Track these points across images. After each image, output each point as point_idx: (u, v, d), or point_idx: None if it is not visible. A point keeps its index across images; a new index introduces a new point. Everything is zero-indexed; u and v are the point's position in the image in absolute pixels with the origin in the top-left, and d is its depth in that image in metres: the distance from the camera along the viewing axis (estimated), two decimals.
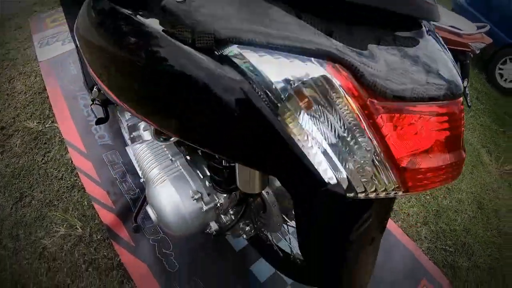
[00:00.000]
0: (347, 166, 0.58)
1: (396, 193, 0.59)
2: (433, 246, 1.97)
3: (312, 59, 0.55)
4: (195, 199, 1.07)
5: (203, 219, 1.12)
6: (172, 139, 1.02)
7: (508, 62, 3.84)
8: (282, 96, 0.56)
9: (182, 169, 1.13)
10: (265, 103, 0.56)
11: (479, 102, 3.61)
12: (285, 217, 1.10)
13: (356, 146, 0.56)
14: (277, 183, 1.03)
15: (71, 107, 1.99)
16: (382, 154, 0.55)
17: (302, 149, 0.57)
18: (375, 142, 0.55)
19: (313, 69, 0.55)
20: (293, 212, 0.90)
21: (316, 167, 0.58)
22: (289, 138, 0.58)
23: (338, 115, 0.55)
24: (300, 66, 0.55)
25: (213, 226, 1.16)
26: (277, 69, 0.56)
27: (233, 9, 0.59)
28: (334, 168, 0.58)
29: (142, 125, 1.40)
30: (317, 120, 0.56)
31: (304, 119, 0.57)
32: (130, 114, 1.40)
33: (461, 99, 0.59)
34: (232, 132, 0.64)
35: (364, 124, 0.55)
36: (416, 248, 1.90)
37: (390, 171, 0.56)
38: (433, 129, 0.56)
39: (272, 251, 1.35)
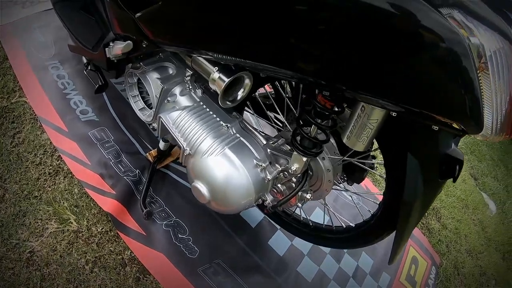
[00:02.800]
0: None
1: None
2: None
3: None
4: (261, 168, 0.89)
5: (264, 190, 0.94)
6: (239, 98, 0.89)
7: None
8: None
9: (240, 137, 0.93)
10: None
11: None
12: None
13: None
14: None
15: (41, 79, 1.46)
16: None
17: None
18: None
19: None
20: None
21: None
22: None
23: None
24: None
25: (269, 197, 0.97)
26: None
27: None
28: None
29: (177, 89, 1.01)
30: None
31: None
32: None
33: None
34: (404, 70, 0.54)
35: None
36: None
37: None
38: None
39: (298, 222, 1.23)
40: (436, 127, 0.62)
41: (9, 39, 1.56)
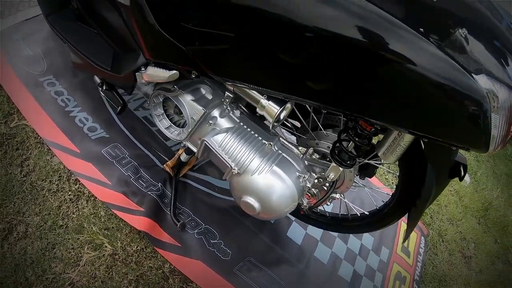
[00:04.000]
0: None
1: None
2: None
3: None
4: (303, 178, 0.97)
5: (302, 196, 1.02)
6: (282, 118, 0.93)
7: None
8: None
9: (282, 153, 0.99)
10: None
11: None
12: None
13: None
14: None
15: (38, 98, 1.30)
16: None
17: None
18: None
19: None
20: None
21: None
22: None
23: None
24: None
25: (305, 201, 1.06)
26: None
27: None
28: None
29: (216, 112, 0.99)
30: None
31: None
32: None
33: None
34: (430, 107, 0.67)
35: None
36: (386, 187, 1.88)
37: None
38: None
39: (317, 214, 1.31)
40: (454, 148, 0.76)
41: None
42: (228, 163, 0.95)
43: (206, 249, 1.23)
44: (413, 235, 1.84)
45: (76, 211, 1.18)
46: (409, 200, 1.01)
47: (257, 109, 0.90)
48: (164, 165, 1.33)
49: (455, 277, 1.82)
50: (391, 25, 0.63)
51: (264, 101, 0.86)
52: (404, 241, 1.25)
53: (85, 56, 1.12)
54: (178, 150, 1.35)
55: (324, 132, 1.06)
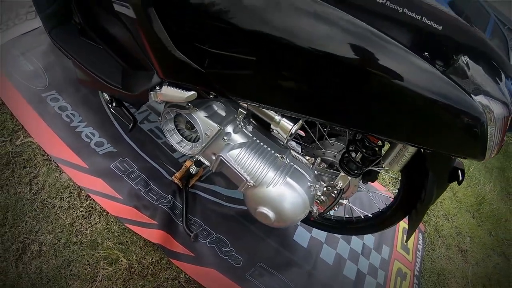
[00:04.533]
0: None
1: None
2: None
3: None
4: (314, 188, 1.04)
5: (312, 204, 1.09)
6: (294, 132, 0.96)
7: None
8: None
9: (294, 164, 1.06)
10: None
11: None
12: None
13: None
14: None
15: (42, 114, 1.32)
16: None
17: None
18: None
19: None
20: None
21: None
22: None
23: None
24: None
25: (314, 208, 1.12)
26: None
27: None
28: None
29: (230, 127, 1.05)
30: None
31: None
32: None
33: None
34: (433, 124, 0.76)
35: None
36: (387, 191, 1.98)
37: None
38: None
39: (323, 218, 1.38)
40: (454, 157, 0.85)
41: None
42: (244, 177, 1.01)
43: (218, 257, 1.29)
44: None
45: (89, 227, 1.21)
46: (410, 203, 1.10)
47: (271, 125, 0.96)
48: (173, 177, 1.37)
49: (453, 270, 1.93)
50: (399, 52, 0.70)
51: (278, 117, 0.93)
52: (406, 241, 1.33)
53: (92, 73, 1.14)
54: (185, 161, 1.39)
55: (330, 141, 1.12)
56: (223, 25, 0.78)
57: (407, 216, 1.14)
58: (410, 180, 1.07)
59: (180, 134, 1.16)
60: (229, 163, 1.01)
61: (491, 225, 2.33)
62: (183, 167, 1.38)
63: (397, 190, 1.16)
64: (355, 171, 1.01)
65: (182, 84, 0.94)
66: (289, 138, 0.99)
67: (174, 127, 1.14)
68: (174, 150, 1.42)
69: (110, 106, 1.16)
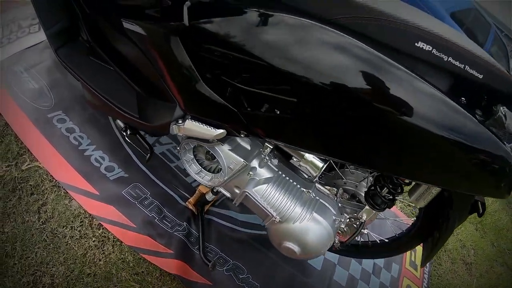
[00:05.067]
0: None
1: None
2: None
3: None
4: (338, 221, 1.04)
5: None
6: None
7: None
8: None
9: (320, 199, 1.05)
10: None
11: None
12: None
13: None
14: None
15: (49, 136, 1.28)
16: None
17: None
18: None
19: None
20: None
21: None
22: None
23: None
24: None
25: (336, 238, 1.13)
26: None
27: None
28: None
29: (255, 162, 1.02)
30: None
31: None
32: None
33: None
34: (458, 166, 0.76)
35: None
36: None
37: None
38: None
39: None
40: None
41: None
42: (270, 213, 1.00)
43: (236, 284, 1.28)
44: (419, 248, 1.97)
45: (103, 257, 1.19)
46: (428, 231, 1.12)
47: (301, 163, 0.96)
48: (187, 203, 1.35)
49: (459, 284, 1.98)
50: (436, 97, 0.70)
51: (308, 155, 0.94)
52: (422, 266, 1.36)
53: (103, 98, 1.10)
54: (198, 186, 1.37)
55: (350, 170, 1.12)
56: (258, 61, 0.75)
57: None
58: (430, 210, 1.08)
59: (199, 163, 1.13)
60: (255, 199, 1.00)
61: (494, 236, 2.40)
62: (197, 191, 1.37)
63: (415, 218, 1.17)
64: (380, 205, 1.02)
65: (209, 120, 0.92)
66: (319, 175, 0.99)
67: (193, 157, 1.12)
68: (187, 174, 1.39)
69: (124, 134, 1.12)
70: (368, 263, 1.74)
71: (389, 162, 0.81)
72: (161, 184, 1.36)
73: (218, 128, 0.90)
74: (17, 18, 1.42)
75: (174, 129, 0.97)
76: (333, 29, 0.70)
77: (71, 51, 1.22)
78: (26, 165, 1.26)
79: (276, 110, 0.80)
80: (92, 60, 1.21)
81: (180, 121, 0.96)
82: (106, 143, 1.34)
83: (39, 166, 1.26)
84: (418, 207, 1.03)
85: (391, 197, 0.99)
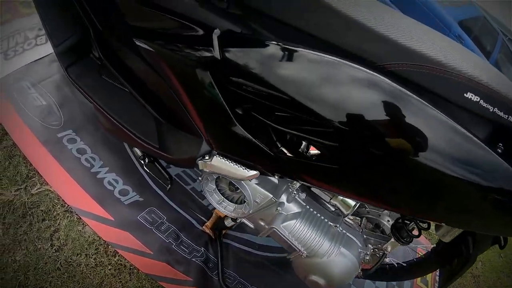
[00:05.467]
0: None
1: None
2: None
3: None
4: (364, 254, 1.03)
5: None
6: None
7: None
8: None
9: (346, 232, 1.04)
10: None
11: None
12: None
13: None
14: None
15: (59, 157, 1.23)
16: None
17: None
18: None
19: None
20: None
21: None
22: None
23: None
24: None
25: (359, 268, 1.10)
26: None
27: None
28: None
29: (284, 197, 0.99)
30: None
31: None
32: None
33: None
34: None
35: None
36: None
37: None
38: None
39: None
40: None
41: (1, 105, 1.25)
42: (298, 248, 0.98)
43: None
44: None
45: (119, 286, 1.16)
46: (447, 259, 1.11)
47: (331, 199, 0.95)
48: (204, 227, 1.33)
49: None
50: (475, 146, 0.67)
51: (340, 196, 0.94)
52: None
53: (119, 123, 1.06)
54: (215, 208, 1.34)
55: None
56: (296, 101, 0.71)
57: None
58: (452, 240, 1.09)
59: (221, 192, 1.10)
60: (283, 235, 0.98)
61: None
62: (214, 214, 1.34)
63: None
64: (406, 239, 1.01)
65: (239, 159, 0.88)
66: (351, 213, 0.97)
67: (215, 187, 1.08)
68: (203, 196, 1.36)
69: (142, 163, 1.08)
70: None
71: (428, 209, 0.79)
72: (177, 208, 1.33)
73: (251, 169, 0.87)
74: (23, 28, 1.35)
75: (200, 165, 0.94)
76: (379, 75, 0.67)
77: (82, 69, 1.16)
78: (36, 189, 1.21)
79: (313, 155, 0.77)
80: (104, 80, 1.15)
81: (206, 157, 0.92)
82: (120, 165, 1.30)
83: (50, 190, 1.22)
84: (445, 241, 1.02)
85: (417, 232, 0.99)
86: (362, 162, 0.75)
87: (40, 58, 1.35)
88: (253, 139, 0.81)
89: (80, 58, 1.18)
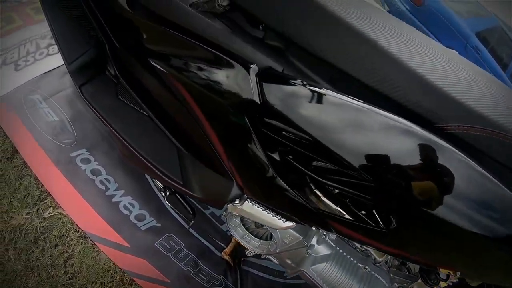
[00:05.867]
0: None
1: None
2: None
3: None
4: None
5: None
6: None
7: None
8: None
9: (375, 273, 1.00)
10: None
11: None
12: None
13: None
14: None
15: (72, 179, 1.17)
16: None
17: None
18: None
19: None
20: None
21: None
22: None
23: None
24: None
25: None
26: None
27: None
28: None
29: (314, 239, 0.95)
30: None
31: None
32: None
33: None
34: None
35: None
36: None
37: None
38: None
39: None
40: None
41: (8, 121, 1.19)
42: None
43: None
44: None
45: None
46: None
47: (365, 246, 0.93)
48: (222, 253, 1.28)
49: None
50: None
51: None
52: None
53: (137, 153, 0.99)
54: None
55: None
56: (337, 154, 0.65)
57: None
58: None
59: (245, 227, 1.05)
60: (312, 278, 0.94)
61: None
62: (233, 240, 1.30)
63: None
64: (433, 281, 0.98)
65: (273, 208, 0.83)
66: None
67: (239, 222, 1.03)
68: (222, 221, 1.31)
69: (164, 196, 1.02)
70: None
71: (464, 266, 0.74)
72: (195, 234, 1.28)
73: (286, 220, 0.81)
74: (35, 36, 1.26)
75: (228, 208, 0.88)
76: (432, 134, 0.60)
77: (97, 88, 1.09)
78: (49, 213, 1.16)
79: (350, 213, 0.71)
80: (121, 102, 1.07)
81: (236, 201, 0.87)
82: (136, 188, 1.24)
83: (63, 214, 1.17)
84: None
85: (445, 276, 0.96)
86: (417, 225, 0.70)
87: (52, 70, 1.28)
88: (292, 191, 0.75)
89: (94, 75, 1.10)
